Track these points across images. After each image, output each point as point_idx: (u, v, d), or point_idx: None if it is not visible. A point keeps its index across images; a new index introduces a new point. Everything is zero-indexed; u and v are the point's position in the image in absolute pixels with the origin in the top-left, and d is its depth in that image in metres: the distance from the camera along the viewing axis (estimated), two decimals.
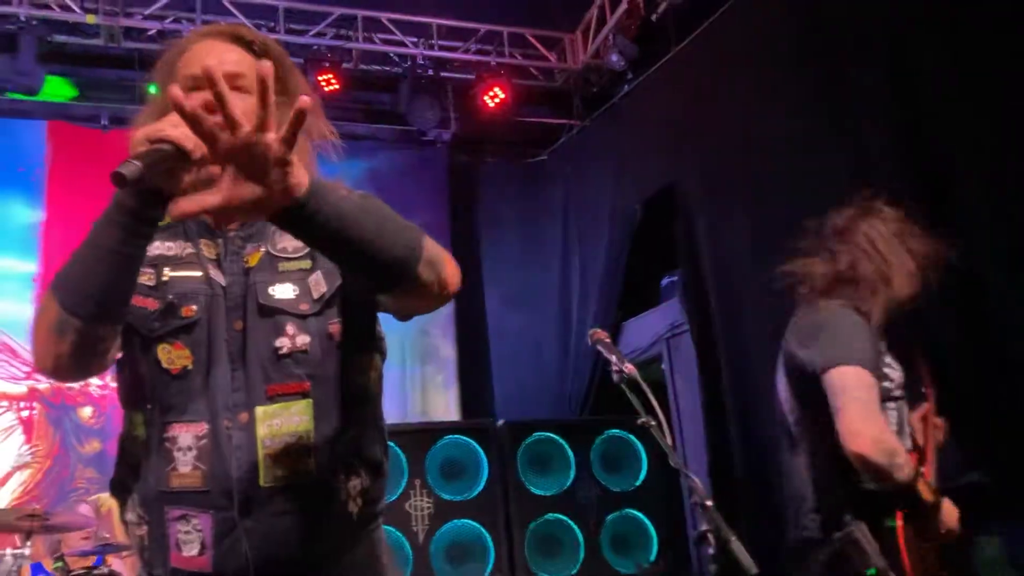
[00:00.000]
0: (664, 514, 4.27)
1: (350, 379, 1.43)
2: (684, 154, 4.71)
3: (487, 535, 3.95)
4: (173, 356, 1.36)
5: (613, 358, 2.03)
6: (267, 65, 1.08)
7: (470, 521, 3.96)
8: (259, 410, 1.35)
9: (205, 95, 1.14)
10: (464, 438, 4.08)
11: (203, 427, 1.34)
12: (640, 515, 4.21)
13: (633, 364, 1.98)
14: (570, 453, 4.19)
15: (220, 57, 1.39)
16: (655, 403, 1.88)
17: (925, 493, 2.17)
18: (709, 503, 1.72)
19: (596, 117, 5.67)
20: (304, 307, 1.39)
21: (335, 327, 1.41)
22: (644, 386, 1.90)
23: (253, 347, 1.36)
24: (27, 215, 5.27)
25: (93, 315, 1.26)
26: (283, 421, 1.35)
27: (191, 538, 1.33)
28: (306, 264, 1.40)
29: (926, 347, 2.64)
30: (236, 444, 1.33)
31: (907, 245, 2.42)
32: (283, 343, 1.37)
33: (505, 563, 3.94)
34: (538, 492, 4.11)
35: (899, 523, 2.18)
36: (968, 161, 3.13)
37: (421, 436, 4.06)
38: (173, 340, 1.35)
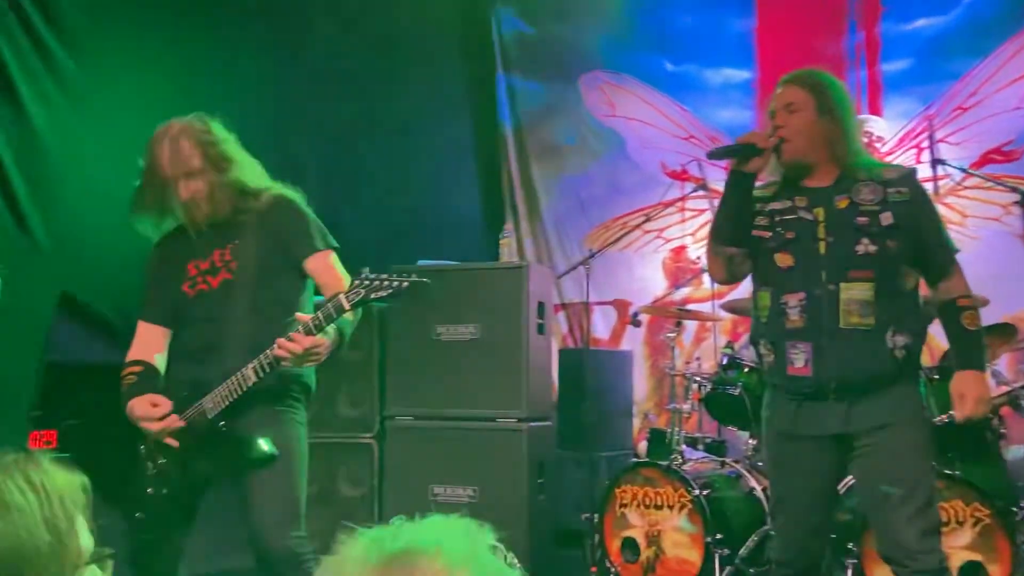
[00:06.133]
0: None
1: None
2: None
3: None
4: (780, 259, 2.43)
5: None
6: None
7: None
8: (843, 284, 2.35)
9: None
10: None
11: (801, 295, 2.39)
12: None
13: None
14: None
15: (783, 93, 2.49)
16: None
17: None
18: None
19: None
20: (863, 220, 2.38)
21: (892, 244, 2.36)
22: None
23: (841, 247, 2.37)
24: (739, 23, 5.38)
25: (722, 240, 2.52)
26: (855, 293, 2.34)
27: (799, 358, 2.38)
28: (876, 208, 2.38)
29: None
30: (826, 303, 2.36)
31: None
32: (860, 248, 2.36)
33: None
34: None
35: None
36: None
37: None
38: (782, 250, 2.44)
